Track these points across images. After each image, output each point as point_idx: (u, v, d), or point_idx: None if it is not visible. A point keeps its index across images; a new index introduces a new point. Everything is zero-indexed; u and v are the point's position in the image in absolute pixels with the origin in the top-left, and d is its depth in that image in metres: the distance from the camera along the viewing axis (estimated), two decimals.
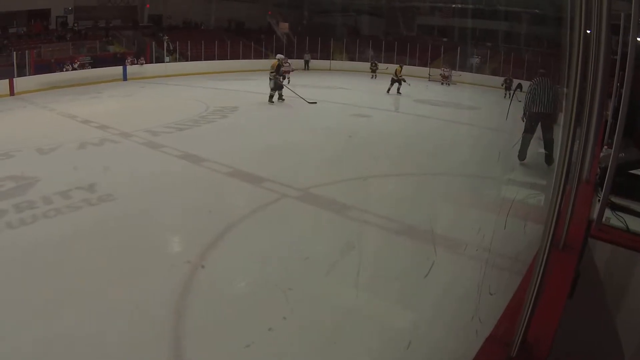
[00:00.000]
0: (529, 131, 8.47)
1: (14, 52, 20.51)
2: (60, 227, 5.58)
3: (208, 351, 3.44)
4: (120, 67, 23.60)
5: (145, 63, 25.52)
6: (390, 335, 3.78)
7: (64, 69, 21.98)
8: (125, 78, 23.26)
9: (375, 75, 27.36)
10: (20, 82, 19.11)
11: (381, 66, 27.55)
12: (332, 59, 33.55)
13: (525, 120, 8.71)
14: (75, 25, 27.08)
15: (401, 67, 20.33)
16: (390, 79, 20.12)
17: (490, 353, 1.95)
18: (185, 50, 28.08)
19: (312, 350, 3.54)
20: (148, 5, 31.38)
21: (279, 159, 8.58)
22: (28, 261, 4.69)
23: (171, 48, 27.88)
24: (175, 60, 27.83)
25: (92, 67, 23.24)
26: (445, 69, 26.69)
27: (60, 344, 3.46)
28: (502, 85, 22.07)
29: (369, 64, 29.44)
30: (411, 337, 3.65)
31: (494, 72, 26.01)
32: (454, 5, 34.26)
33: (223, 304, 4.04)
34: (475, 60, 29.41)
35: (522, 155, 8.55)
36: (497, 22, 30.64)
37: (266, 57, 32.22)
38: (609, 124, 6.23)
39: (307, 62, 33.23)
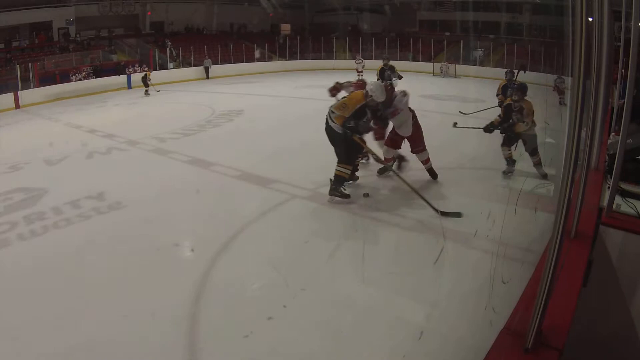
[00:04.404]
0: None
1: (18, 65, 20.60)
2: (71, 237, 5.61)
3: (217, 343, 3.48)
4: (125, 76, 23.65)
5: (149, 70, 25.54)
6: (401, 326, 3.79)
7: (71, 79, 22.08)
8: (129, 86, 23.31)
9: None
10: (25, 95, 19.24)
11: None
12: (336, 59, 33.41)
13: None
14: (78, 35, 27.18)
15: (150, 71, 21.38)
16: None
17: (505, 345, 1.94)
18: (189, 55, 28.13)
19: (322, 340, 3.58)
20: (150, 13, 31.45)
21: (287, 160, 8.59)
22: (41, 272, 4.72)
23: (174, 54, 27.93)
24: (178, 66, 27.88)
25: (96, 77, 23.31)
26: (444, 64, 26.74)
27: (82, 352, 3.50)
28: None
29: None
30: (423, 328, 3.65)
31: (498, 64, 25.85)
32: None
33: (235, 304, 4.05)
34: (479, 53, 29.26)
35: None
36: (499, 13, 30.51)
37: (269, 59, 32.26)
38: (615, 110, 6.20)
39: (207, 69, 27.97)
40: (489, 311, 3.19)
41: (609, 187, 3.29)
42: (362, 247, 5.04)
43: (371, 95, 6.29)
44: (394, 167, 7.01)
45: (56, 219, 6.09)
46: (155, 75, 23.50)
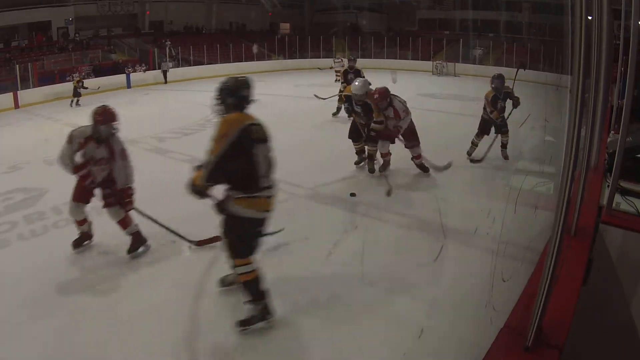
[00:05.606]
0: None
1: (17, 65, 20.57)
2: (71, 237, 5.58)
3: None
4: (124, 75, 23.60)
5: (148, 70, 25.47)
6: (401, 324, 3.79)
7: (68, 79, 22.02)
8: (129, 86, 23.26)
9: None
10: (24, 95, 19.18)
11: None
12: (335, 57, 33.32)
13: None
14: (77, 35, 27.16)
15: (81, 77, 19.20)
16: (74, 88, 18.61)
17: (505, 343, 1.94)
18: (188, 55, 28.09)
19: (321, 338, 3.59)
20: (148, 12, 31.43)
21: (286, 158, 8.53)
22: (41, 272, 4.71)
23: (174, 54, 27.87)
24: (178, 65, 27.83)
25: (95, 77, 23.26)
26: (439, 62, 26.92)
27: (81, 351, 3.51)
28: None
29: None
30: (423, 326, 3.65)
31: (497, 63, 25.84)
32: None
33: (234, 303, 4.05)
34: (478, 51, 29.21)
35: None
36: (498, 12, 30.49)
37: (269, 58, 32.21)
38: (614, 109, 6.19)
39: (165, 73, 25.10)
40: (489, 309, 3.20)
41: (608, 186, 3.30)
42: (362, 244, 5.04)
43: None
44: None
45: (56, 219, 6.09)
46: (154, 75, 23.53)
